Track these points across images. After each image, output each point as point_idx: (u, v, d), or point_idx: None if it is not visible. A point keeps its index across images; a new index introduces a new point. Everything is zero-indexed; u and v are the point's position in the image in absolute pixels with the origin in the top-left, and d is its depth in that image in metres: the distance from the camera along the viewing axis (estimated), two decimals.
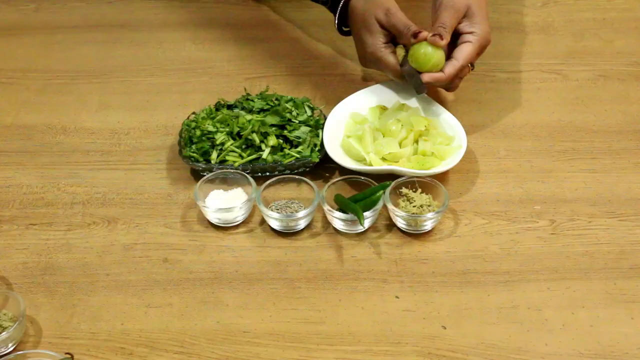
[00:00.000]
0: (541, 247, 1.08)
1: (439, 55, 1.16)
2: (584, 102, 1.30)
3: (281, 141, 1.18)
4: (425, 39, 1.16)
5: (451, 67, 1.17)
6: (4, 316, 1.00)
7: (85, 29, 1.52)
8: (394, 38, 1.22)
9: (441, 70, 1.17)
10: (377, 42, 1.21)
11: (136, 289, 1.05)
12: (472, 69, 1.22)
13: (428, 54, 1.16)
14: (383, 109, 1.23)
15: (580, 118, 1.27)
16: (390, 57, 1.21)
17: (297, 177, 1.15)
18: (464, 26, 1.18)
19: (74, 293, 1.05)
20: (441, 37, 1.15)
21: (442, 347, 0.97)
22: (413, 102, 1.24)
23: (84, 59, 1.45)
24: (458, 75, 1.19)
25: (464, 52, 1.18)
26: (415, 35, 1.16)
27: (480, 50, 1.20)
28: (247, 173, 1.15)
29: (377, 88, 1.27)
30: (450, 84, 1.21)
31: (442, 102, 1.25)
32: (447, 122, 1.20)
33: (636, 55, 1.40)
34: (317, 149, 1.18)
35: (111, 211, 1.16)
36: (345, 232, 1.11)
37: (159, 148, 1.25)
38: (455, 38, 1.19)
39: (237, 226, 1.13)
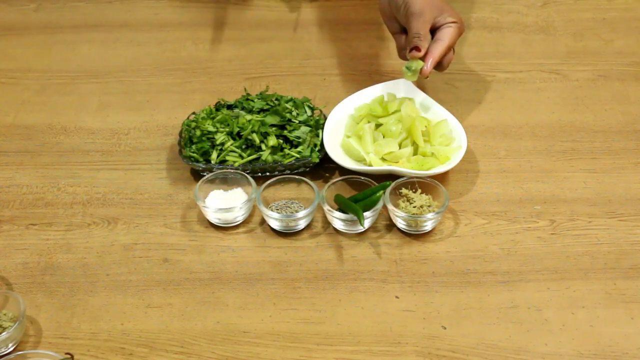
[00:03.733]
0: (541, 247, 1.08)
1: (419, 65, 1.18)
2: (584, 102, 1.30)
3: (281, 141, 1.18)
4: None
5: (440, 47, 1.18)
6: (4, 316, 1.00)
7: (85, 29, 1.52)
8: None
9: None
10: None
11: (136, 289, 1.05)
12: (453, 53, 1.22)
13: (411, 66, 1.18)
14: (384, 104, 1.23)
15: (580, 118, 1.27)
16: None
17: (297, 177, 1.15)
18: (440, 20, 1.19)
19: (74, 293, 1.05)
20: (418, 49, 1.17)
21: (442, 347, 0.97)
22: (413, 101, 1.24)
23: (84, 59, 1.45)
24: (447, 56, 1.20)
25: (447, 33, 1.19)
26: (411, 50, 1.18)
27: (459, 34, 1.21)
28: (247, 173, 1.15)
29: (378, 88, 1.27)
30: (440, 65, 1.21)
31: (442, 102, 1.25)
32: (447, 122, 1.20)
33: (636, 55, 1.40)
34: (317, 149, 1.18)
35: (111, 211, 1.16)
36: (345, 232, 1.11)
37: (159, 148, 1.25)
38: (433, 29, 1.20)
39: (237, 226, 1.13)
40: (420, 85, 1.29)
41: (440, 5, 1.20)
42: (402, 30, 1.24)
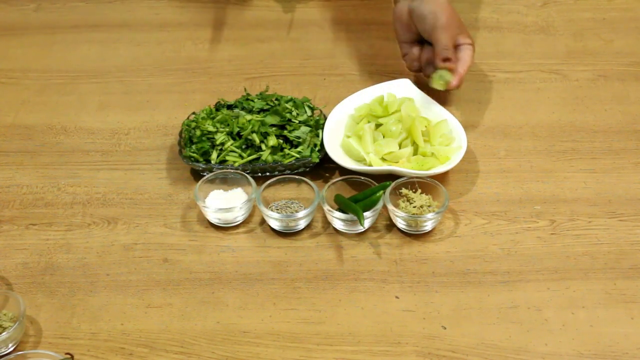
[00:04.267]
0: (541, 247, 1.08)
1: (449, 76, 1.22)
2: (584, 102, 1.30)
3: (281, 141, 1.18)
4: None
5: (464, 66, 1.23)
6: (4, 316, 1.00)
7: (85, 29, 1.52)
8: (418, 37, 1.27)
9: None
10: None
11: (136, 289, 1.05)
12: None
13: (444, 76, 1.22)
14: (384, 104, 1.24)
15: (580, 118, 1.28)
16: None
17: (297, 177, 1.15)
18: (459, 39, 1.24)
19: (74, 293, 1.05)
20: (450, 60, 1.22)
21: (442, 347, 0.97)
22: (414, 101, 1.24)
23: (84, 59, 1.45)
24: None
25: (468, 54, 1.24)
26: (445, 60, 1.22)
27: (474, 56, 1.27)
28: (247, 173, 1.15)
29: (378, 88, 1.27)
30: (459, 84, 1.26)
31: (442, 102, 1.25)
32: (447, 122, 1.20)
33: (636, 55, 1.40)
34: (317, 149, 1.18)
35: (111, 211, 1.16)
36: (345, 232, 1.11)
37: (159, 148, 1.25)
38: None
39: (237, 226, 1.13)
40: (420, 85, 1.29)
41: (460, 24, 1.25)
42: (416, 40, 1.27)
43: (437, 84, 1.23)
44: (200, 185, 1.13)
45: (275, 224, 1.11)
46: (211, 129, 1.18)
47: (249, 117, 1.19)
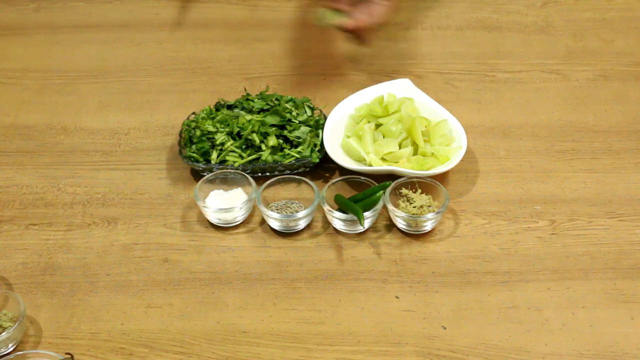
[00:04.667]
0: (541, 247, 1.08)
1: (333, 17, 1.25)
2: (584, 102, 1.30)
3: (281, 141, 1.18)
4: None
5: (368, 19, 1.24)
6: (4, 316, 1.00)
7: (85, 29, 1.52)
8: None
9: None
10: None
11: (136, 289, 1.05)
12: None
13: (325, 15, 1.25)
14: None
15: (580, 118, 1.27)
16: None
17: (297, 177, 1.15)
18: None
19: (74, 293, 1.05)
20: (338, 2, 1.23)
21: (442, 347, 0.97)
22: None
23: (84, 59, 1.45)
24: (370, 32, 1.26)
25: (376, 10, 1.26)
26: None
27: (390, 14, 1.27)
28: (247, 173, 1.15)
29: (378, 88, 1.27)
30: (361, 35, 1.27)
31: (442, 102, 1.25)
32: (447, 122, 1.20)
33: (636, 55, 1.40)
34: (317, 149, 1.18)
35: (111, 211, 1.16)
36: (345, 232, 1.11)
37: (159, 148, 1.25)
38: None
39: (237, 226, 1.13)
40: (421, 85, 1.29)
41: None
42: None
43: (317, 19, 1.25)
44: (200, 185, 1.13)
45: (275, 224, 1.11)
46: (211, 129, 1.18)
47: (249, 117, 1.19)
